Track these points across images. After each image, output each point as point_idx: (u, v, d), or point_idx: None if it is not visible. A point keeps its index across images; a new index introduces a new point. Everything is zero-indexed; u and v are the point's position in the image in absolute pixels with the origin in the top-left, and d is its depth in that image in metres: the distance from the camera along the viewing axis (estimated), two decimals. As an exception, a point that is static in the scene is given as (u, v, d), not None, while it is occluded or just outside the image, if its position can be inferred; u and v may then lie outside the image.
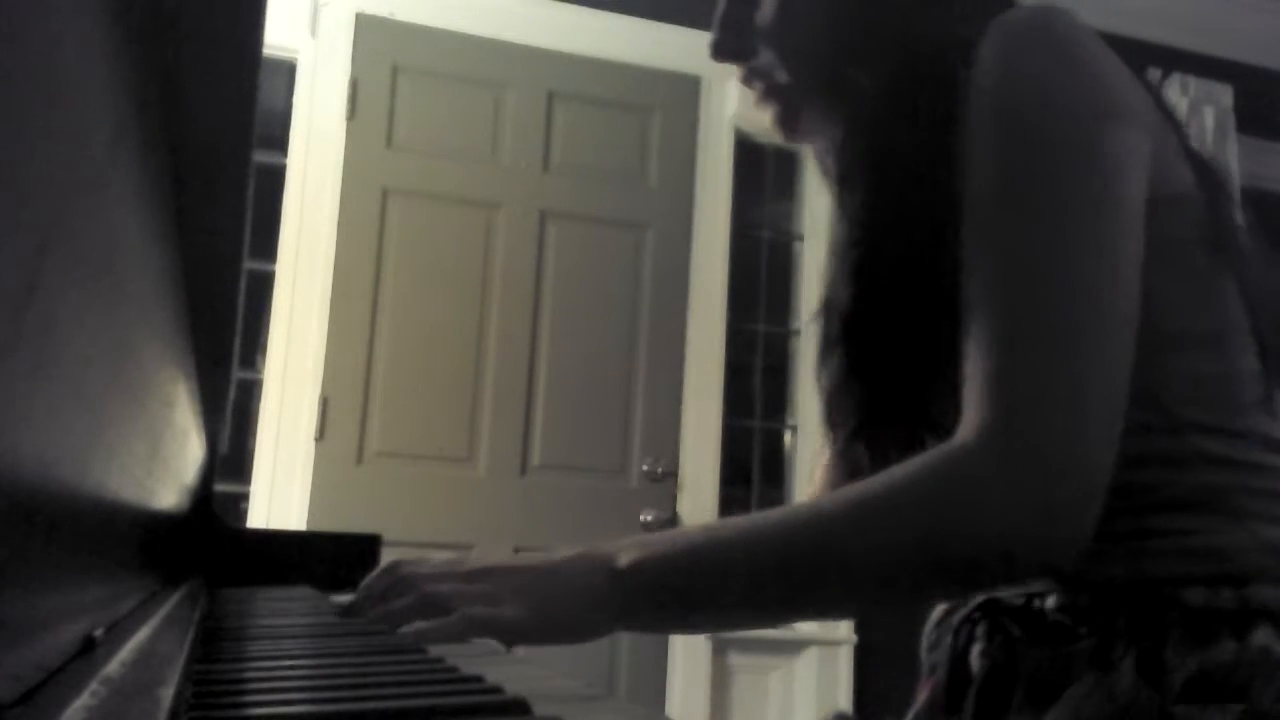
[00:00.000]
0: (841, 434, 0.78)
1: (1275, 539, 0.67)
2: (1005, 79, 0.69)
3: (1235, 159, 3.53)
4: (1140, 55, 3.57)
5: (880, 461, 0.72)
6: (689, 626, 0.80)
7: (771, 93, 0.84)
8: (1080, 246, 0.66)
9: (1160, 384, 0.69)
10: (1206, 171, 0.76)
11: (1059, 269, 0.66)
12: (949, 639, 0.76)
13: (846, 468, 0.83)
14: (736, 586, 0.68)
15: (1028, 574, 0.68)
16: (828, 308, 0.79)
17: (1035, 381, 0.64)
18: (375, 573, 0.87)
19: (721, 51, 0.85)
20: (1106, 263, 0.66)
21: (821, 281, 0.83)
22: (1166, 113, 0.75)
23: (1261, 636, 0.63)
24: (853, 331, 0.75)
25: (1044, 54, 0.69)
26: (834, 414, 0.79)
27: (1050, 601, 0.70)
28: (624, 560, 0.66)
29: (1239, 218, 0.77)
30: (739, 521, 0.69)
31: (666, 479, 3.02)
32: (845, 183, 0.78)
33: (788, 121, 0.85)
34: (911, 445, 0.70)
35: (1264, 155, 3.70)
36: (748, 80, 0.86)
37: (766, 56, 0.83)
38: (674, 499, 3.03)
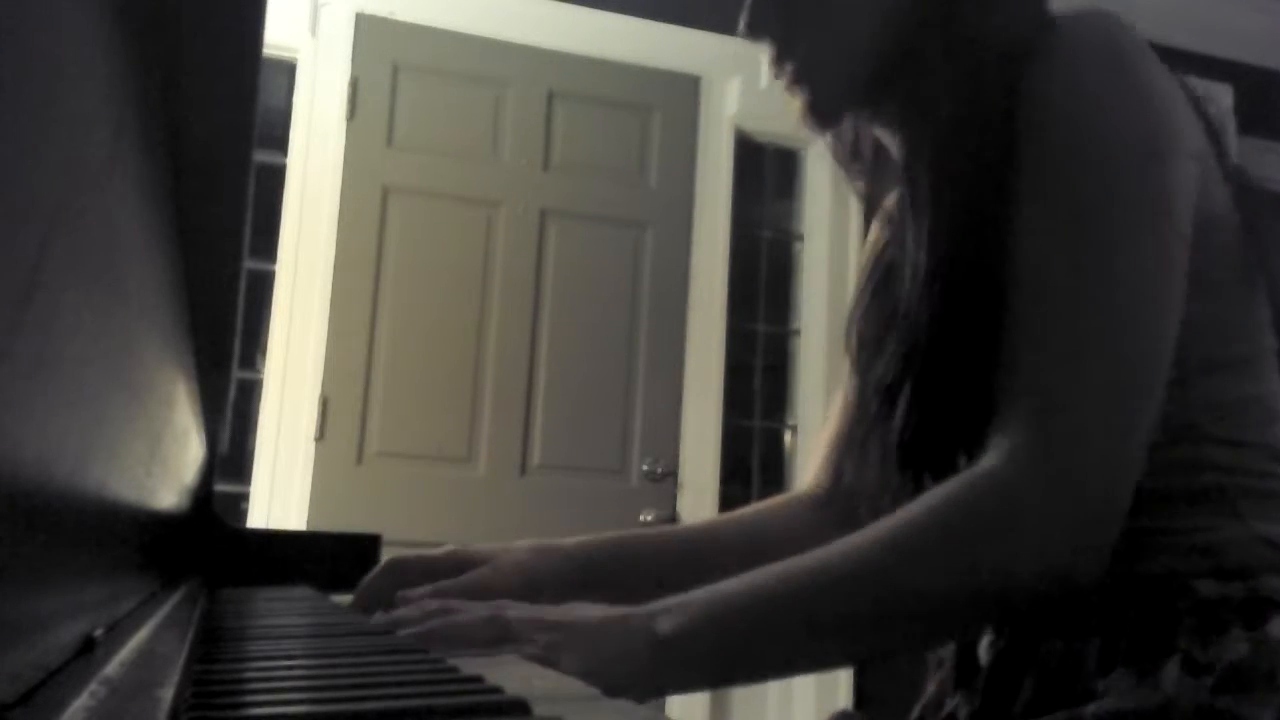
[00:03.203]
0: (899, 454, 0.74)
1: (1275, 535, 0.68)
2: (1067, 98, 0.67)
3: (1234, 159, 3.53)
4: (1140, 55, 3.57)
5: (919, 478, 0.72)
6: (728, 684, 0.75)
7: (804, 77, 0.78)
8: (1130, 277, 0.66)
9: (1183, 407, 0.69)
10: (1246, 189, 0.74)
11: (1109, 299, 0.65)
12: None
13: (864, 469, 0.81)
14: (775, 649, 0.65)
15: (1052, 597, 0.66)
16: (906, 327, 0.74)
17: (1079, 411, 0.63)
18: (377, 572, 0.86)
19: (756, 27, 0.78)
20: (1154, 294, 0.66)
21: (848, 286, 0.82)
22: (1209, 127, 0.74)
23: (1277, 627, 0.64)
24: (933, 351, 0.72)
25: (1108, 76, 0.68)
26: (900, 436, 0.74)
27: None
28: (663, 628, 0.62)
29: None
30: (773, 578, 0.65)
31: (666, 479, 3.02)
32: (914, 202, 0.74)
33: (821, 110, 0.79)
34: (948, 467, 0.70)
35: (1264, 155, 3.70)
36: (779, 60, 0.79)
37: (806, 36, 0.77)
38: (674, 499, 3.03)
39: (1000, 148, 0.69)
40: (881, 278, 0.85)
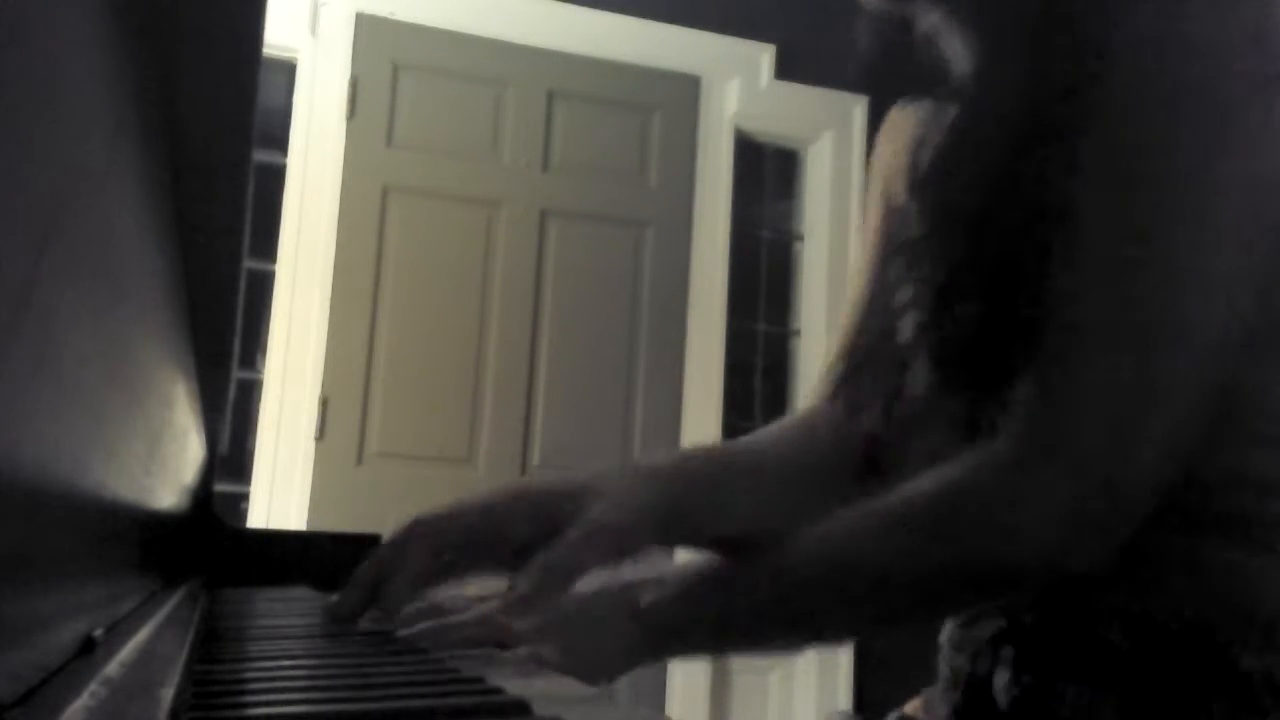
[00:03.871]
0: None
1: None
2: (1162, 29, 0.60)
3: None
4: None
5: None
6: (711, 656, 0.75)
7: None
8: (1185, 254, 0.59)
9: (1244, 394, 0.62)
10: None
11: (1155, 273, 0.59)
12: (966, 661, 0.71)
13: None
14: (765, 618, 0.64)
15: (1047, 585, 0.65)
16: (942, 216, 0.69)
17: (1095, 393, 0.59)
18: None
19: None
20: (1213, 274, 0.59)
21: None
22: None
23: None
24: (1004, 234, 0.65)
25: (1207, 8, 0.60)
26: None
27: (1081, 632, 0.65)
28: (644, 600, 0.62)
29: None
30: (790, 556, 0.63)
31: (666, 479, 3.02)
32: (990, 76, 0.68)
33: None
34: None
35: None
36: None
37: None
38: (674, 499, 3.02)
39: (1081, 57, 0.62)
40: (926, 174, 0.76)
